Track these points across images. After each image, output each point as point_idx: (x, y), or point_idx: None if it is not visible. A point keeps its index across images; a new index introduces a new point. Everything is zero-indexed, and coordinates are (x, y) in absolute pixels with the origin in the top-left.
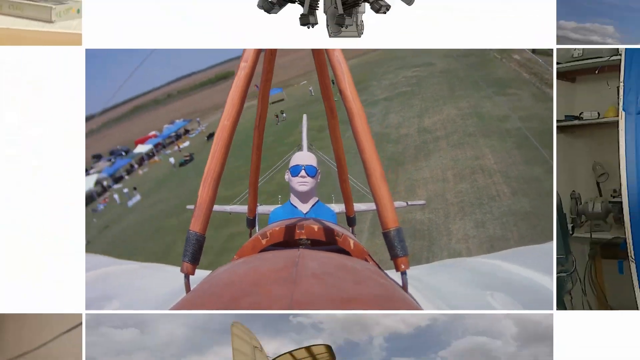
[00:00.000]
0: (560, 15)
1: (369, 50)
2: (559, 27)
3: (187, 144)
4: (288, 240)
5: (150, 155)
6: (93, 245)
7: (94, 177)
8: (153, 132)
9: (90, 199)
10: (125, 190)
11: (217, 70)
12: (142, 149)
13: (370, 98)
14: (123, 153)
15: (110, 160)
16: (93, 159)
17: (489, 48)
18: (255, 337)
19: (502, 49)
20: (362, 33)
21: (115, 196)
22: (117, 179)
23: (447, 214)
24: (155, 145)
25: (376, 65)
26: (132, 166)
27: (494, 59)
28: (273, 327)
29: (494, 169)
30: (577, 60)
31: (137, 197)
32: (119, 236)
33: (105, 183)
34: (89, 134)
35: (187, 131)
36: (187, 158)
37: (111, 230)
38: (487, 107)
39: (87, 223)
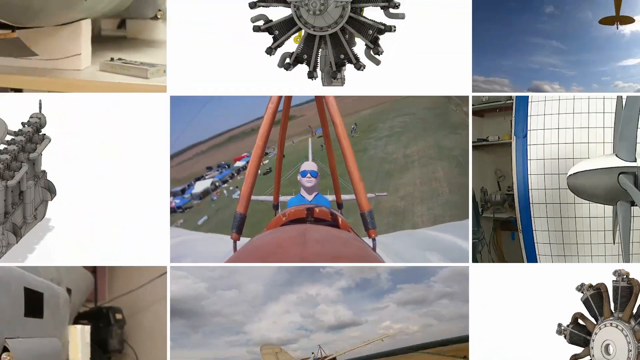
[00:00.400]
0: (474, 72)
1: (379, 103)
2: (473, 80)
3: (267, 161)
4: (299, 218)
5: (244, 167)
6: (210, 221)
7: (209, 180)
8: (245, 153)
9: (207, 193)
10: (231, 188)
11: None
12: (239, 163)
13: (377, 135)
14: (226, 166)
15: (218, 170)
16: (207, 169)
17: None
18: (278, 347)
19: (457, 104)
20: (344, 83)
21: (224, 191)
22: (224, 181)
23: (413, 203)
24: (248, 162)
25: (382, 114)
26: (233, 174)
27: (452, 110)
28: (312, 277)
29: (443, 179)
30: (485, 103)
31: (238, 192)
32: (227, 216)
33: (217, 184)
34: (200, 154)
35: (266, 153)
36: (268, 170)
37: (222, 212)
38: (444, 141)
39: (207, 208)
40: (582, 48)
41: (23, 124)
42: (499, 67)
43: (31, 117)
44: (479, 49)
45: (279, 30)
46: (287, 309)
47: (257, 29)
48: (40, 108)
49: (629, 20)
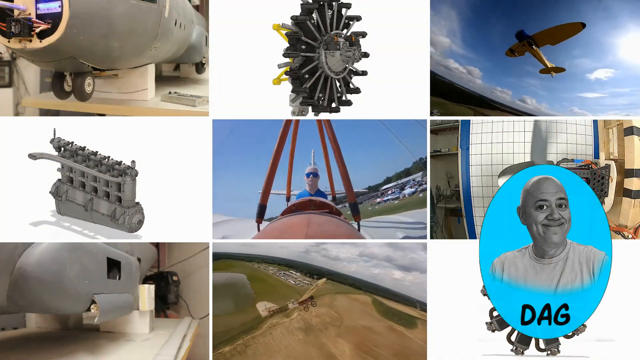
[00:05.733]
0: (494, 83)
1: None
2: (492, 89)
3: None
4: (304, 208)
5: None
6: None
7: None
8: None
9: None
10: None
11: None
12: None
13: None
14: None
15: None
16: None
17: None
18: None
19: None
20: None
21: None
22: None
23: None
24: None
25: None
26: None
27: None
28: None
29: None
30: (439, 125)
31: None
32: None
33: None
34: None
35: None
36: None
37: None
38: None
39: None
40: (557, 78)
41: (63, 146)
42: (507, 82)
43: (59, 141)
44: (500, 69)
45: (308, 74)
46: None
47: (288, 71)
48: (54, 133)
49: (559, 69)
